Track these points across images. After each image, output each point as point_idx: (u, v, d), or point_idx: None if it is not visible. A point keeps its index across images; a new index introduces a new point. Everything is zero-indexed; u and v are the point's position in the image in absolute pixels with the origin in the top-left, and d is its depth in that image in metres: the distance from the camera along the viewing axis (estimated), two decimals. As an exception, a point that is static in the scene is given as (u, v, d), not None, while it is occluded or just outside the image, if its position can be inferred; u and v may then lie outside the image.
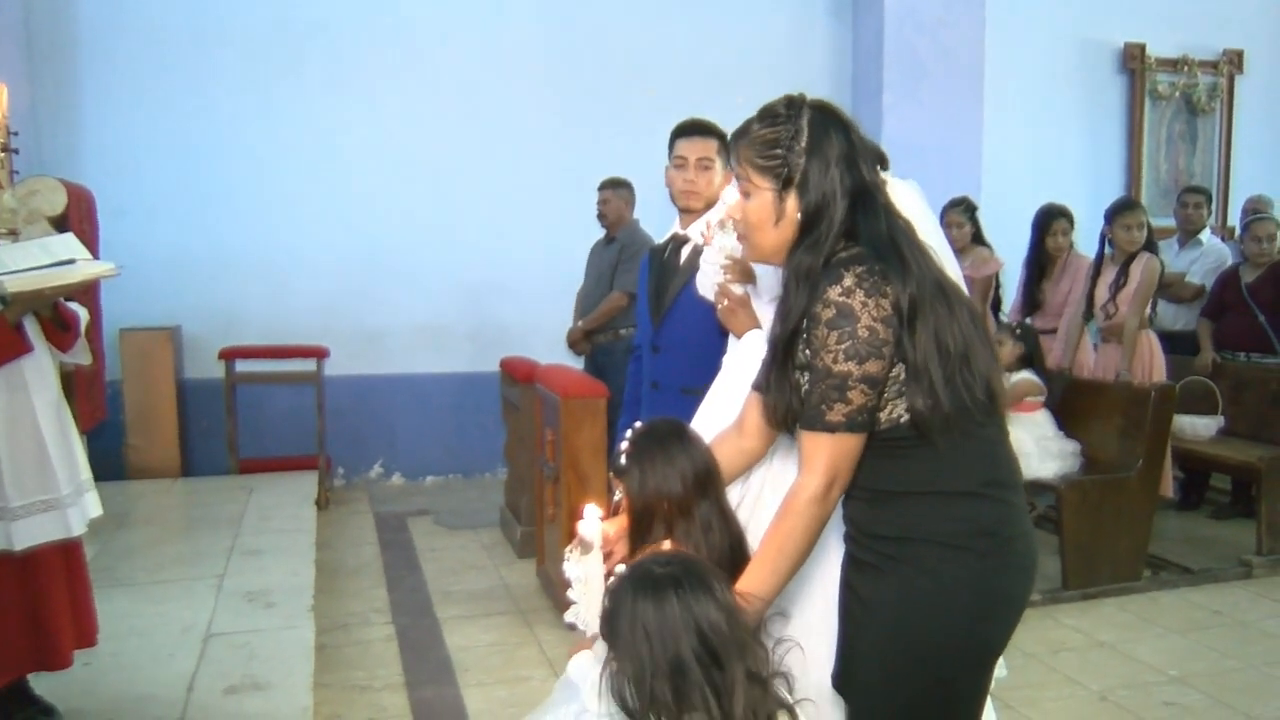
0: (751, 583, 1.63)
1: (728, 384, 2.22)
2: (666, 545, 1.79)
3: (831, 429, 1.57)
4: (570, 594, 1.82)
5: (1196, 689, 3.36)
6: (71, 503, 2.63)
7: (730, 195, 2.05)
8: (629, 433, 1.90)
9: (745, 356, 2.20)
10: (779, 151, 1.64)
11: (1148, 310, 4.98)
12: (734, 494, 1.98)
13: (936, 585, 1.59)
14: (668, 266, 2.85)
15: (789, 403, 1.66)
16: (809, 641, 1.76)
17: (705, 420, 2.12)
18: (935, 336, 1.56)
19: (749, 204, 1.70)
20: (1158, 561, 4.60)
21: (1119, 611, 4.10)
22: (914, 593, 1.60)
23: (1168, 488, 4.76)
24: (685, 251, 2.82)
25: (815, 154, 1.62)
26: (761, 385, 1.77)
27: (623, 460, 1.85)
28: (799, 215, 1.64)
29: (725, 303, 2.28)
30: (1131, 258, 4.93)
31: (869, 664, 1.65)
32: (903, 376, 1.57)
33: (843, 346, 1.54)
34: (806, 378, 1.61)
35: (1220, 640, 3.80)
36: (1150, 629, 3.92)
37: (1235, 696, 3.30)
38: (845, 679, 1.71)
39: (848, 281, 1.55)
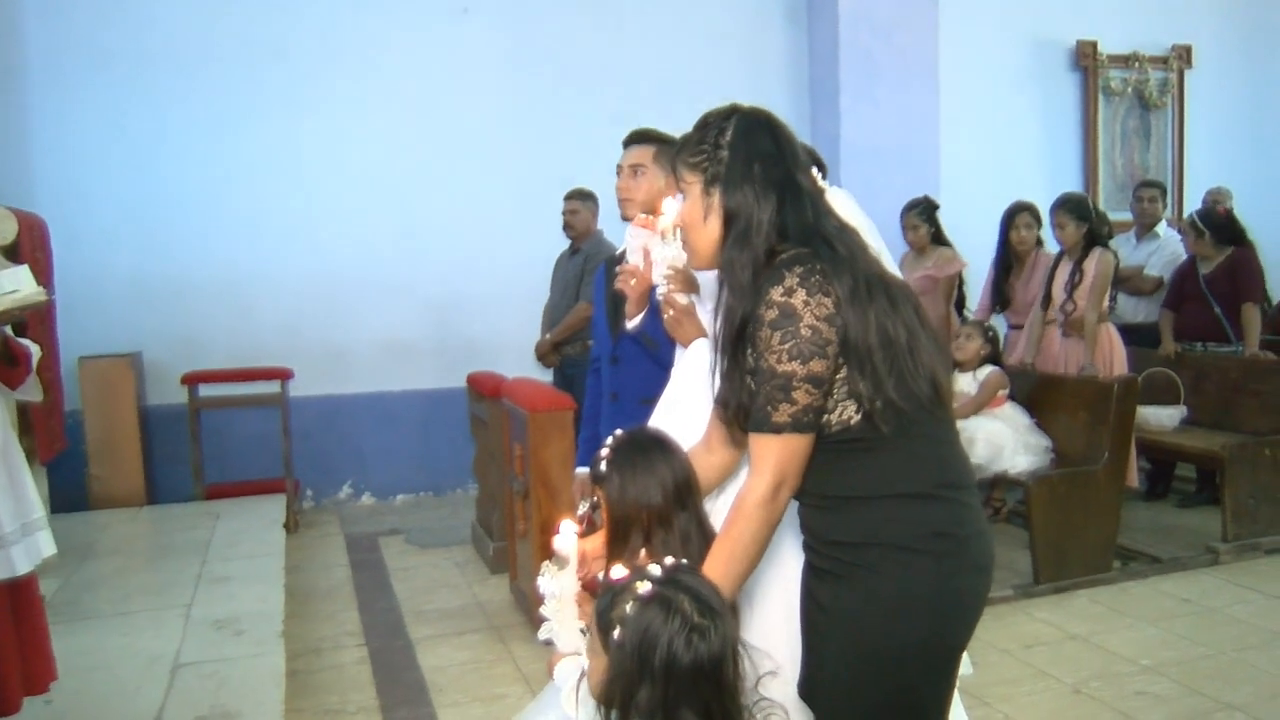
0: None
1: (676, 393, 2.22)
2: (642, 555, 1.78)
3: (778, 430, 1.58)
4: (544, 610, 1.80)
5: (1168, 677, 3.39)
6: (15, 541, 2.55)
7: (670, 207, 2.07)
8: (610, 439, 1.89)
9: (692, 365, 2.19)
10: (705, 148, 1.70)
11: (1106, 303, 5.05)
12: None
13: (895, 589, 1.59)
14: None
15: (740, 403, 1.67)
16: (770, 651, 1.75)
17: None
18: (877, 326, 1.57)
19: (684, 205, 1.75)
20: (1127, 552, 4.65)
21: (1090, 604, 4.14)
22: (873, 598, 1.60)
23: (1133, 479, 4.82)
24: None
25: (737, 150, 1.67)
26: (718, 396, 1.77)
27: (603, 466, 1.84)
28: (722, 211, 1.68)
29: (670, 313, 2.28)
30: (1085, 253, 5.00)
31: (833, 671, 1.65)
32: (848, 377, 1.58)
33: (786, 346, 1.55)
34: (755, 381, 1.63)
35: (1190, 628, 3.84)
36: (1121, 620, 3.96)
37: (1205, 683, 3.33)
38: (810, 687, 1.71)
39: (789, 281, 1.56)
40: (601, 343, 2.93)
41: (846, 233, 1.71)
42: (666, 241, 2.13)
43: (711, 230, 1.70)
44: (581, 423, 3.08)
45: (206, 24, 5.85)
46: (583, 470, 2.94)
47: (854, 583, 1.62)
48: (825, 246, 1.63)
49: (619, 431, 1.92)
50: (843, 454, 1.62)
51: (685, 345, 2.27)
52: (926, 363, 1.61)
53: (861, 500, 1.62)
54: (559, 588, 1.76)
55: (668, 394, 2.25)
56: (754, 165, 1.66)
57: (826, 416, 1.60)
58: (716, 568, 1.63)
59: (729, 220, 1.67)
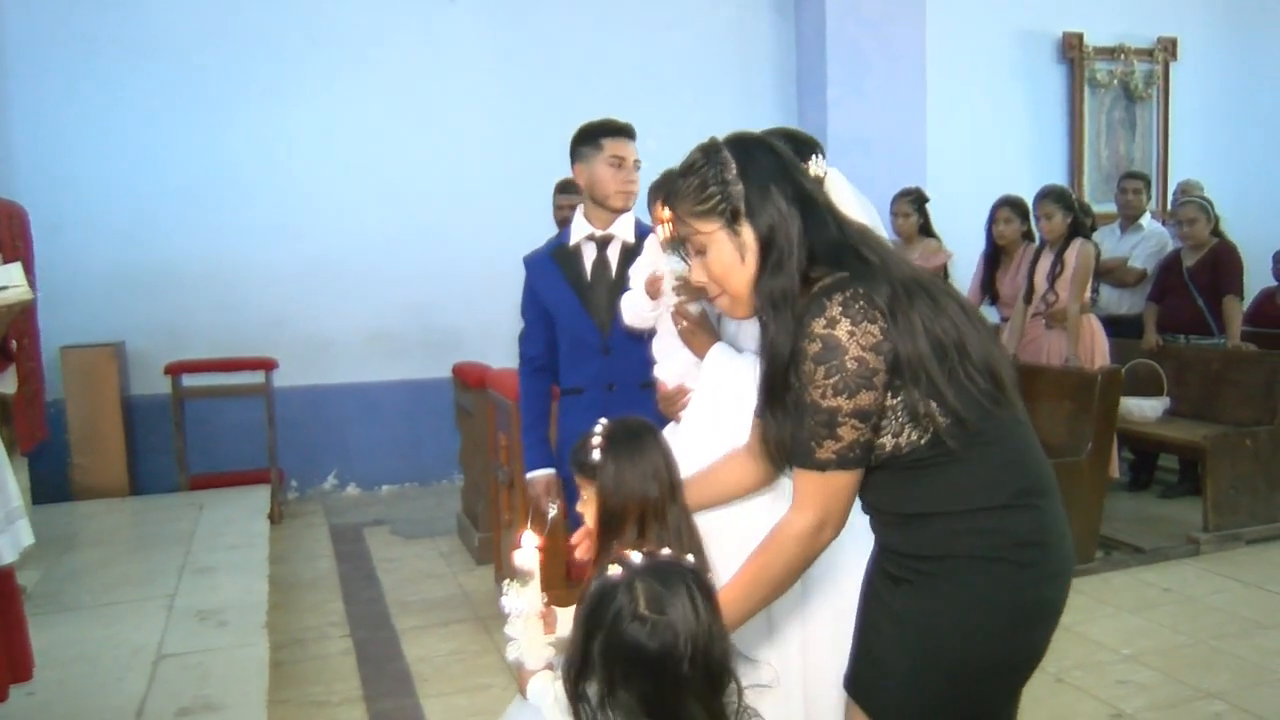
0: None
1: (703, 410, 2.16)
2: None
3: (822, 467, 1.50)
4: (509, 630, 1.73)
5: (1148, 666, 3.42)
6: (1, 530, 2.55)
7: (654, 245, 2.02)
8: (598, 427, 1.83)
9: (713, 376, 2.16)
10: (713, 190, 1.58)
11: (1088, 294, 5.07)
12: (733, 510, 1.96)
13: (976, 598, 1.53)
14: (600, 267, 2.83)
15: (791, 437, 1.59)
16: (815, 640, 1.74)
17: (686, 449, 2.05)
18: (926, 333, 1.48)
19: (709, 257, 1.62)
20: (1109, 542, 4.68)
21: (1073, 594, 4.01)
22: (952, 606, 1.54)
23: (1115, 469, 4.85)
24: (614, 250, 2.82)
25: (749, 177, 1.57)
26: (761, 414, 1.69)
27: (595, 455, 1.78)
28: (757, 242, 1.58)
29: (684, 324, 2.24)
30: (1066, 244, 5.03)
31: (902, 677, 1.59)
32: (906, 399, 1.49)
33: (831, 381, 1.46)
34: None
35: (1170, 617, 3.87)
36: (1103, 609, 3.99)
37: (1185, 671, 3.36)
38: (869, 689, 1.65)
39: (832, 311, 1.47)
40: (577, 335, 2.83)
41: (869, 236, 1.62)
42: (669, 253, 2.10)
43: (750, 268, 1.59)
44: (527, 425, 2.96)
45: (191, 12, 5.80)
46: (542, 473, 2.88)
47: (932, 591, 1.56)
48: (857, 261, 1.54)
49: (604, 420, 1.85)
50: (916, 473, 1.54)
51: (701, 356, 2.21)
52: (980, 355, 1.52)
53: (940, 516, 1.55)
54: (524, 605, 1.70)
55: (693, 410, 2.19)
56: (770, 186, 1.56)
57: (895, 441, 1.51)
58: (736, 589, 1.58)
59: (765, 248, 1.57)
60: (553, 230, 5.24)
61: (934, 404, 1.48)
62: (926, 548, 1.56)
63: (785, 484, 1.74)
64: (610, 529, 1.77)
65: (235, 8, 5.87)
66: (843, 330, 1.45)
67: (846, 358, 1.45)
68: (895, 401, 1.49)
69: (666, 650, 1.33)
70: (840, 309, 1.46)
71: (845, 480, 1.52)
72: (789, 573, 1.58)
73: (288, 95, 5.97)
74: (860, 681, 1.67)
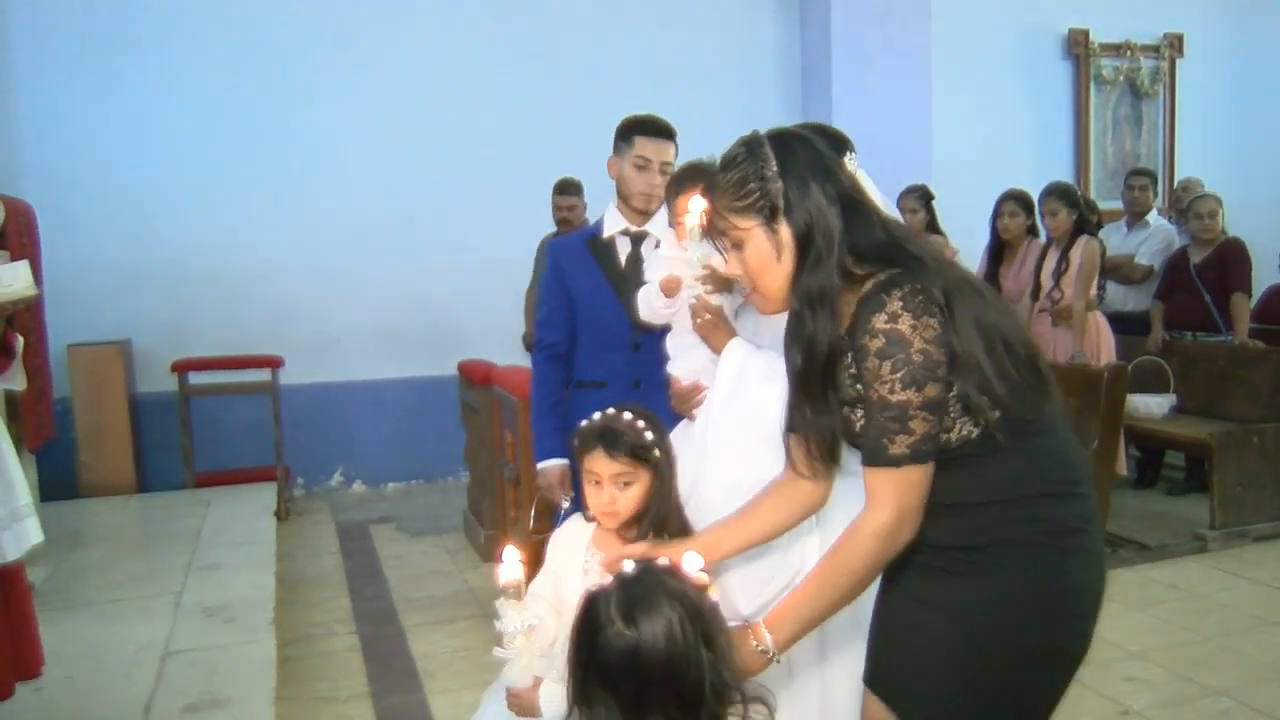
0: (781, 613, 1.56)
1: (719, 406, 2.14)
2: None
3: (896, 463, 1.49)
4: (502, 651, 1.68)
5: (1155, 663, 3.41)
6: (4, 528, 2.55)
7: (696, 204, 2.01)
8: (629, 416, 1.82)
9: (730, 370, 2.14)
10: (752, 186, 1.55)
11: (1093, 291, 5.06)
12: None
13: (1020, 585, 1.54)
14: (634, 262, 2.76)
15: (833, 434, 1.59)
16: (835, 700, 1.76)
17: (700, 446, 2.05)
18: (977, 326, 1.49)
19: (745, 253, 1.59)
20: (1116, 540, 4.67)
21: None
22: (996, 594, 1.54)
23: (1122, 467, 4.84)
24: (649, 247, 2.75)
25: (789, 174, 1.55)
26: (794, 424, 1.67)
27: (650, 437, 1.79)
28: (794, 240, 1.55)
29: (707, 316, 2.21)
30: (1072, 242, 5.02)
31: (939, 667, 1.57)
32: (960, 393, 1.50)
33: (898, 375, 1.46)
34: (858, 413, 1.54)
35: (1177, 614, 3.86)
36: (1109, 606, 3.88)
37: (1191, 668, 3.36)
38: (895, 682, 1.64)
39: (892, 306, 1.47)
40: (604, 327, 2.76)
41: (911, 234, 1.63)
42: (693, 240, 2.10)
43: (786, 266, 1.57)
44: (540, 414, 2.85)
45: (197, 10, 5.81)
46: (555, 463, 2.77)
47: (973, 579, 1.56)
48: (910, 259, 1.53)
49: (612, 409, 1.85)
50: (962, 464, 1.54)
51: (718, 351, 2.19)
52: (1021, 345, 1.55)
53: (986, 505, 1.55)
54: (521, 621, 1.65)
55: (709, 407, 2.17)
56: (810, 184, 1.54)
57: (947, 436, 1.52)
58: (807, 590, 1.56)
59: (804, 246, 1.54)
60: (554, 229, 5.27)
61: (985, 397, 1.49)
62: (971, 537, 1.56)
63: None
64: (662, 509, 1.80)
65: (241, 6, 5.88)
66: (905, 324, 1.46)
67: (912, 351, 1.46)
68: (950, 395, 1.50)
69: (626, 663, 1.29)
70: (901, 304, 1.46)
71: (920, 474, 1.51)
72: (865, 573, 1.54)
73: (294, 93, 5.98)
74: (883, 674, 1.66)
